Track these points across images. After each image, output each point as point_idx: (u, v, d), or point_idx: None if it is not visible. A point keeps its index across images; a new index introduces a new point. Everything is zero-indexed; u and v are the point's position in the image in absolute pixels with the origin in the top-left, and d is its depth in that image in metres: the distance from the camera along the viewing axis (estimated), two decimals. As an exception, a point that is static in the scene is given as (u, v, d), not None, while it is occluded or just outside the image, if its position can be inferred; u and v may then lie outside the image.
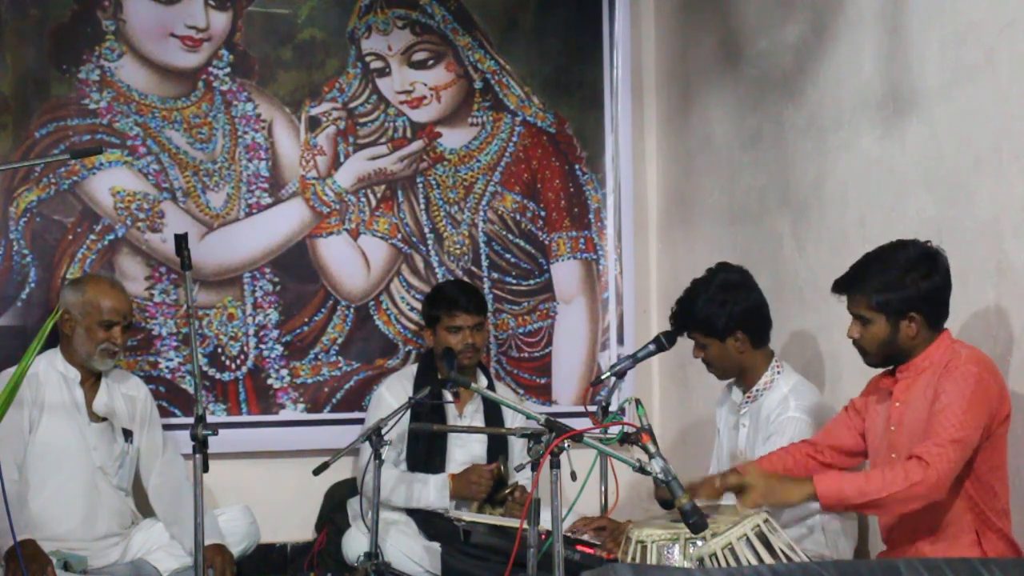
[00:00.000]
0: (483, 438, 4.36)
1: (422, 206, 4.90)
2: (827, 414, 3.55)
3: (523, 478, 4.24)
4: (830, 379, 3.84)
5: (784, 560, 2.80)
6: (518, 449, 4.42)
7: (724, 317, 3.62)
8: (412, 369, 4.50)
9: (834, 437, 3.30)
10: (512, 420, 4.43)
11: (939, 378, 2.99)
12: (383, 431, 3.72)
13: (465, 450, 4.35)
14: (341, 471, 4.47)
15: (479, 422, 4.40)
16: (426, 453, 4.31)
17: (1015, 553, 2.99)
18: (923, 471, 2.86)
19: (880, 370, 3.22)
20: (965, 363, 2.96)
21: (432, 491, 4.23)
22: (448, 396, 4.33)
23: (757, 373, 3.68)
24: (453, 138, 4.95)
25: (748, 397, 3.70)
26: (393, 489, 4.21)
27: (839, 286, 3.16)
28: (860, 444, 3.26)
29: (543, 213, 5.03)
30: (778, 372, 3.68)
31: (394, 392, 4.39)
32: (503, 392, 4.64)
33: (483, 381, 4.46)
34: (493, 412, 4.41)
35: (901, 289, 3.03)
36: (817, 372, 3.97)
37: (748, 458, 3.62)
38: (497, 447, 4.35)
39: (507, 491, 4.18)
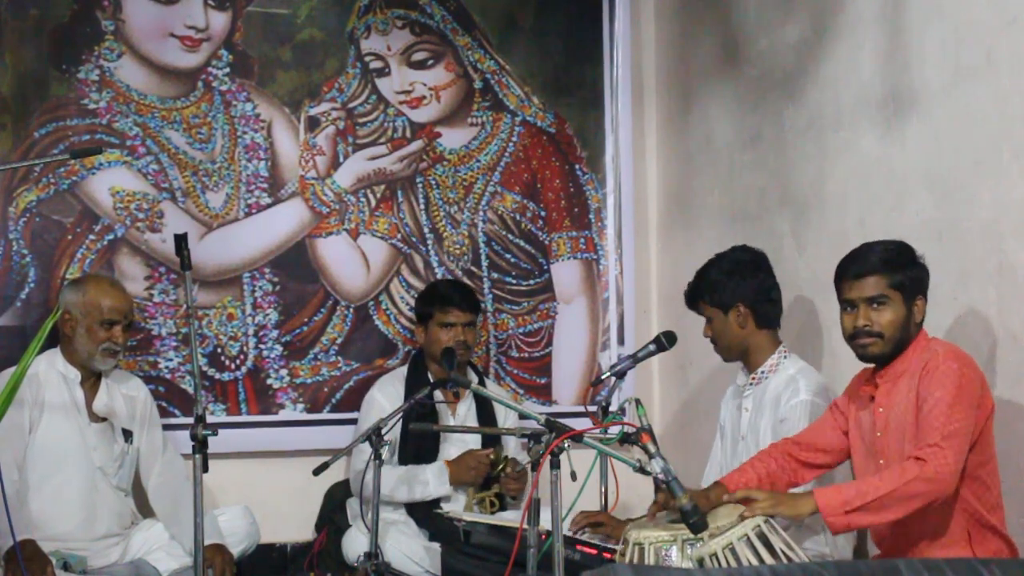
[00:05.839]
0: (478, 437, 4.36)
1: (422, 206, 4.90)
2: (834, 398, 3.55)
3: (518, 458, 4.31)
4: (830, 379, 3.83)
5: (784, 560, 2.80)
6: (512, 447, 4.43)
7: (729, 288, 3.67)
8: (403, 370, 4.50)
9: (820, 436, 3.29)
10: (504, 418, 4.45)
11: (920, 380, 2.99)
12: (383, 431, 3.72)
13: (460, 450, 4.35)
14: (341, 471, 4.48)
15: (472, 421, 4.41)
16: (416, 454, 4.31)
17: (1009, 549, 2.99)
18: (919, 468, 2.86)
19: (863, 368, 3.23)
20: (945, 361, 2.97)
21: (431, 479, 4.24)
22: (440, 396, 4.34)
23: (762, 355, 3.69)
24: (453, 138, 4.95)
25: (752, 379, 3.70)
26: (393, 487, 4.22)
27: (845, 272, 3.12)
28: (844, 443, 3.26)
29: (543, 213, 5.03)
30: (784, 356, 3.69)
31: (386, 393, 4.40)
32: (494, 390, 4.64)
33: (474, 379, 4.46)
34: (486, 411, 4.43)
35: (912, 268, 3.08)
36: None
37: (750, 442, 3.63)
38: (491, 446, 4.35)
39: (501, 467, 4.20)
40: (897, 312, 3.07)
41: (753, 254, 3.78)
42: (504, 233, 4.98)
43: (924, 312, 3.10)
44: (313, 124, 4.79)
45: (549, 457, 2.74)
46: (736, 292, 3.67)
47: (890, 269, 3.07)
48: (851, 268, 3.13)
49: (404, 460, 4.32)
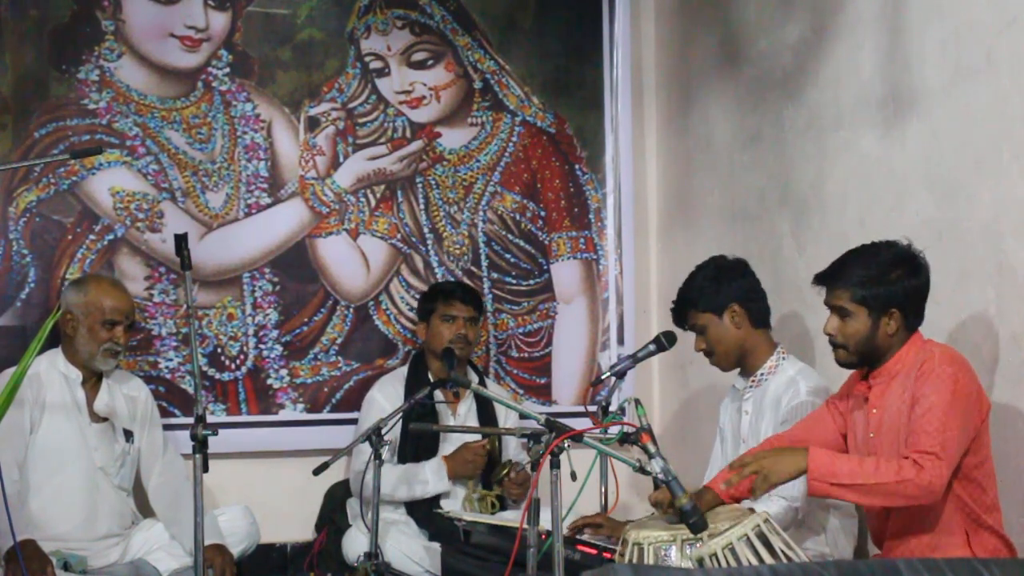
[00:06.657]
0: (478, 438, 4.36)
1: (421, 206, 4.90)
2: None
3: (518, 458, 4.33)
4: (828, 380, 3.83)
5: (784, 560, 2.80)
6: (512, 448, 4.43)
7: (720, 291, 3.66)
8: (403, 371, 4.51)
9: (818, 432, 3.29)
10: (505, 418, 4.45)
11: (915, 380, 2.99)
12: (383, 431, 3.72)
13: (460, 450, 4.36)
14: (341, 471, 4.48)
15: (472, 421, 4.42)
16: (416, 455, 4.31)
17: (1007, 549, 3.00)
18: (915, 472, 2.86)
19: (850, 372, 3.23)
20: (940, 364, 2.96)
21: (429, 476, 4.25)
22: (440, 396, 4.34)
23: (760, 357, 3.68)
24: (453, 138, 4.95)
25: (752, 382, 3.69)
26: (393, 487, 4.22)
27: (821, 278, 3.17)
28: (842, 444, 3.26)
29: (543, 213, 5.03)
30: (783, 357, 3.68)
31: (386, 393, 4.41)
32: (494, 390, 4.65)
33: (474, 379, 4.46)
34: (486, 411, 4.43)
35: (885, 284, 3.04)
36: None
37: (751, 445, 3.62)
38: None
39: (504, 472, 4.20)
40: (860, 326, 3.07)
41: (735, 260, 3.79)
42: (504, 233, 4.98)
43: (899, 324, 3.05)
44: (313, 124, 4.79)
45: (549, 457, 2.74)
46: (727, 292, 3.66)
47: (856, 284, 3.06)
48: (824, 276, 3.16)
49: (404, 460, 4.32)
